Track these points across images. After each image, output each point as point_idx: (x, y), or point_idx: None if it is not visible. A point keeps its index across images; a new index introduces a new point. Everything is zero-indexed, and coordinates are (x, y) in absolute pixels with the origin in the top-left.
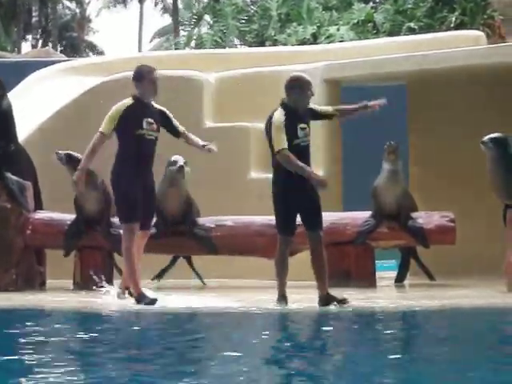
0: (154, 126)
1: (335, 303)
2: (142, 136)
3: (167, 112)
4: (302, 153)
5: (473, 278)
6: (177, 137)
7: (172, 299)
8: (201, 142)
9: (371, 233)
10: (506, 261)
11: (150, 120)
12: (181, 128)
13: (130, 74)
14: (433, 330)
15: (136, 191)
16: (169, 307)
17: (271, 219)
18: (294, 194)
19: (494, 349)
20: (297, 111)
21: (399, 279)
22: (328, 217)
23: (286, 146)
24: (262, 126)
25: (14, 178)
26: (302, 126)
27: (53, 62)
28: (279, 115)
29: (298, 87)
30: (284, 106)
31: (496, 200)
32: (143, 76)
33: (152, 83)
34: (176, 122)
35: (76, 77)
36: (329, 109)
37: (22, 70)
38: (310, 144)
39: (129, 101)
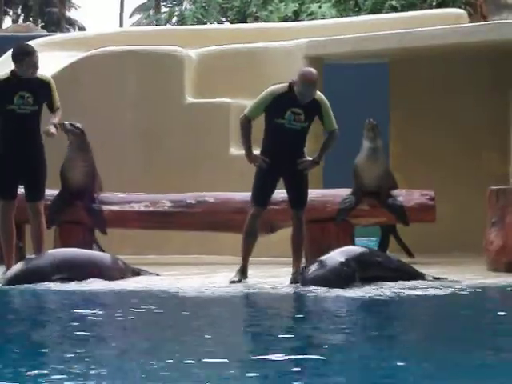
0: (30, 99)
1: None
2: (13, 111)
3: (52, 84)
4: (286, 134)
5: (453, 256)
6: (51, 111)
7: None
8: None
9: (351, 210)
10: (485, 239)
11: (24, 94)
12: (56, 105)
13: (112, 49)
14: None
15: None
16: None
17: None
18: (272, 170)
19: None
20: (296, 97)
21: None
22: (308, 194)
23: (250, 114)
24: (242, 102)
25: None
26: (295, 110)
27: (33, 37)
28: (277, 87)
29: (301, 83)
30: (290, 86)
31: (475, 179)
32: (22, 58)
33: (31, 66)
34: (55, 98)
35: (57, 52)
36: (330, 128)
37: (2, 44)
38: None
39: (5, 74)
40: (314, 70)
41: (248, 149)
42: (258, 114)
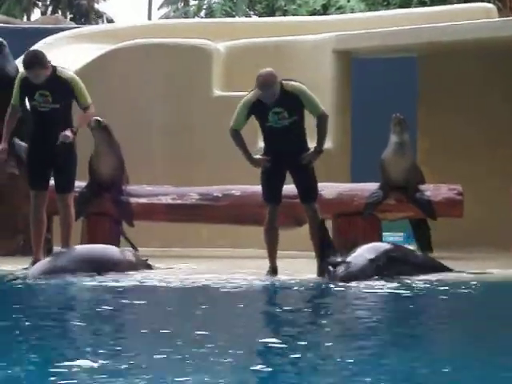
0: (49, 98)
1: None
2: (35, 107)
3: (74, 83)
4: (277, 133)
5: (480, 251)
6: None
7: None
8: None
9: (379, 204)
10: None
11: (44, 92)
12: (82, 103)
13: (140, 42)
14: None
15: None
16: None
17: None
18: (275, 166)
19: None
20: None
21: (425, 249)
22: (336, 188)
23: (235, 125)
24: None
25: (23, 144)
26: (275, 110)
27: (62, 30)
28: (249, 96)
29: (258, 87)
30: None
31: (504, 174)
32: (25, 68)
33: (31, 77)
34: (79, 95)
35: (85, 44)
36: (316, 113)
37: (31, 36)
38: (297, 122)
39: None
40: (268, 71)
41: (248, 155)
42: (242, 125)
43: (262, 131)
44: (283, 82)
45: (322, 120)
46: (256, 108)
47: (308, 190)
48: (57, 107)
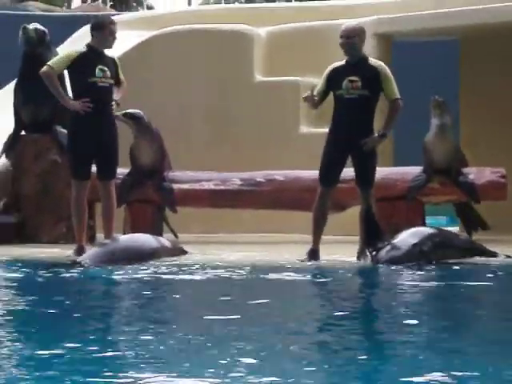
0: (108, 73)
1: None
2: (94, 83)
3: (117, 61)
4: (346, 105)
5: None
6: (117, 86)
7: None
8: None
9: (422, 188)
10: None
11: (103, 67)
12: (122, 80)
13: (181, 28)
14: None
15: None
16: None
17: None
18: (338, 147)
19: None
20: (349, 63)
21: (469, 232)
22: (378, 172)
23: (316, 93)
24: (312, 80)
25: (64, 131)
26: (352, 78)
27: None
28: (334, 63)
29: (340, 37)
30: (346, 61)
31: None
32: (104, 26)
33: (111, 34)
34: (121, 74)
35: (126, 31)
36: (391, 96)
37: (72, 24)
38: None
39: (81, 48)
40: (353, 24)
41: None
42: (320, 93)
43: (334, 105)
44: (369, 57)
45: (395, 106)
46: (335, 74)
47: (366, 176)
48: (112, 83)
